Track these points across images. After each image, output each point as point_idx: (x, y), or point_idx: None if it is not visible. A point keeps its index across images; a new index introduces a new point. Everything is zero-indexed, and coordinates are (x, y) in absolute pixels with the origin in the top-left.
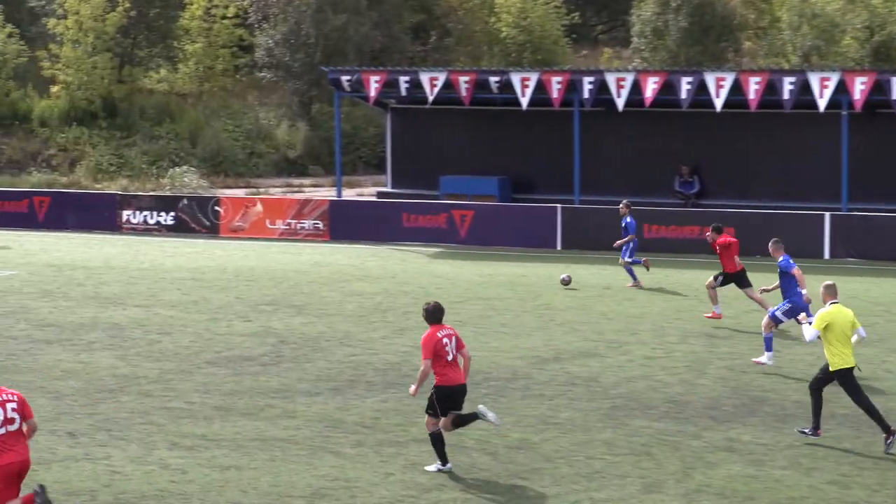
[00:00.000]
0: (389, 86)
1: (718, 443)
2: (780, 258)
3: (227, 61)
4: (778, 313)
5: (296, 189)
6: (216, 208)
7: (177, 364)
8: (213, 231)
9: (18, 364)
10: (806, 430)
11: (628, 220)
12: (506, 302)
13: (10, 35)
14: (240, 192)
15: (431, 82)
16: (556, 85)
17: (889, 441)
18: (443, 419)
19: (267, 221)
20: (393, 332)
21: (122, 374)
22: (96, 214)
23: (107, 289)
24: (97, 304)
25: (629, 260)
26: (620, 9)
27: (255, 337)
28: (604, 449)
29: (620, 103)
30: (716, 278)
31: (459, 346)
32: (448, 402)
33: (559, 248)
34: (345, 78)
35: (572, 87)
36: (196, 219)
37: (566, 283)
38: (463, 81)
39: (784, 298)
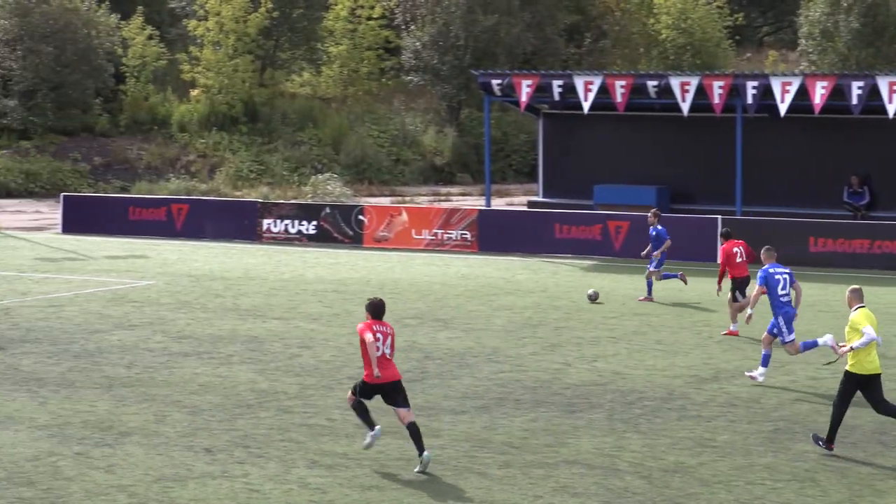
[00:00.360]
0: (542, 90)
1: (888, 470)
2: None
3: (373, 64)
4: (786, 338)
5: (443, 198)
6: (360, 217)
7: (317, 379)
8: (356, 241)
9: (155, 377)
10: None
11: (659, 228)
12: (662, 318)
13: (149, 37)
14: (384, 201)
15: (586, 87)
16: (717, 90)
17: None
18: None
19: (412, 231)
20: (543, 348)
21: (260, 389)
22: (236, 223)
23: (246, 300)
24: (236, 315)
25: (654, 269)
26: (787, 9)
27: (399, 352)
28: (765, 474)
29: (783, 108)
30: (733, 293)
31: (393, 346)
32: (372, 393)
33: (719, 261)
34: (495, 82)
35: (735, 91)
36: (339, 228)
37: (593, 298)
38: (619, 86)
39: (773, 311)
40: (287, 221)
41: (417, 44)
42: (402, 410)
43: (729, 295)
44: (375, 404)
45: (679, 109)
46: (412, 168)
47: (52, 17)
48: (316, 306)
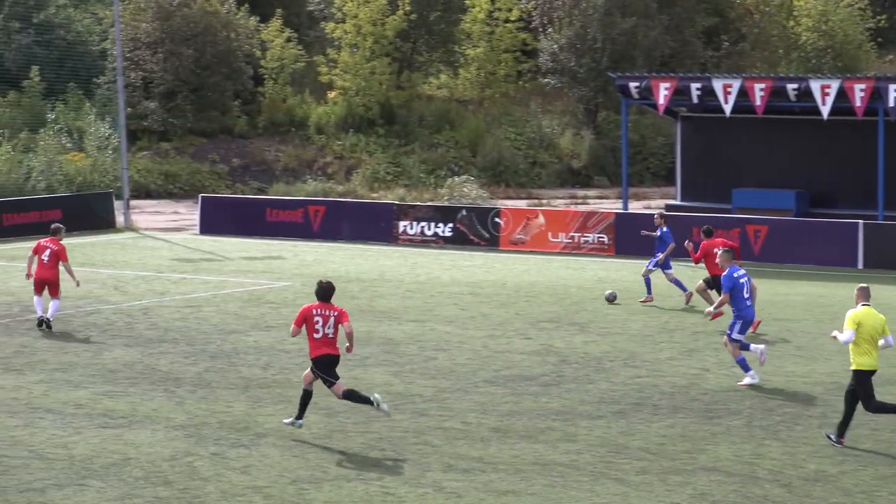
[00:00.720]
0: (680, 93)
1: None
2: (726, 271)
3: (510, 66)
4: (734, 335)
5: (579, 201)
6: (496, 220)
7: (453, 382)
8: (492, 244)
9: (291, 379)
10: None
11: (664, 230)
12: (802, 324)
13: (288, 40)
14: (521, 204)
15: (725, 90)
16: (858, 92)
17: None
18: (337, 383)
19: (549, 234)
20: (680, 353)
21: (396, 392)
22: (372, 225)
23: (382, 302)
24: (372, 318)
25: (651, 268)
26: None
27: (536, 355)
28: None
29: None
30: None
31: (341, 321)
32: (328, 369)
33: (860, 266)
34: (633, 84)
35: (877, 94)
36: (475, 231)
37: (611, 300)
38: (758, 89)
39: (734, 314)
40: (423, 224)
41: (555, 46)
42: (337, 383)
43: (701, 283)
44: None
45: (819, 113)
46: (549, 171)
47: (192, 21)
48: (451, 309)
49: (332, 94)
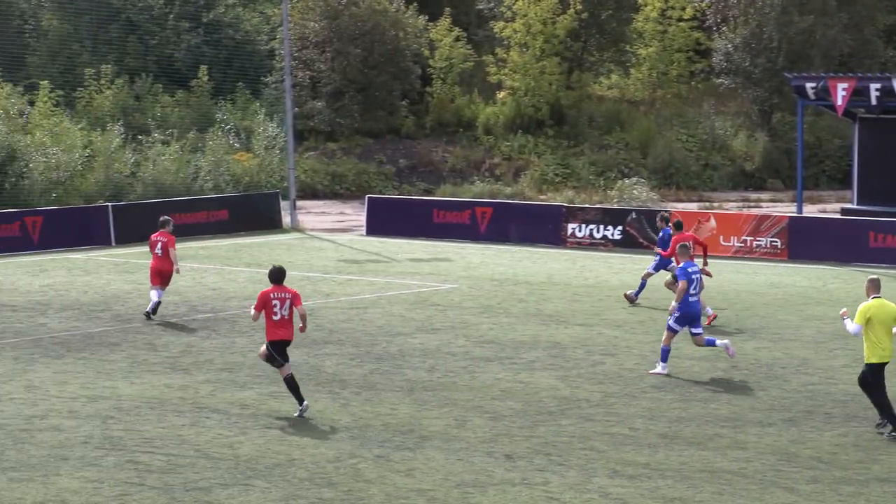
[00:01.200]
0: (858, 94)
1: None
2: (680, 265)
3: (682, 66)
4: (671, 323)
5: (752, 204)
6: None
7: (620, 387)
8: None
9: (456, 381)
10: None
11: (668, 230)
12: None
13: (456, 39)
14: (692, 207)
15: None
16: None
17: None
18: (285, 366)
19: (721, 238)
20: (854, 360)
21: (562, 396)
22: (540, 227)
23: (549, 305)
24: (538, 321)
25: (651, 271)
26: None
27: (705, 361)
28: None
29: None
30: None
31: (295, 304)
32: (278, 349)
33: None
34: (809, 85)
35: None
36: (645, 234)
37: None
38: None
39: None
40: (592, 226)
41: (729, 46)
42: (286, 365)
43: (669, 278)
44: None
45: None
46: (721, 173)
47: (360, 19)
48: (620, 313)
49: (500, 95)
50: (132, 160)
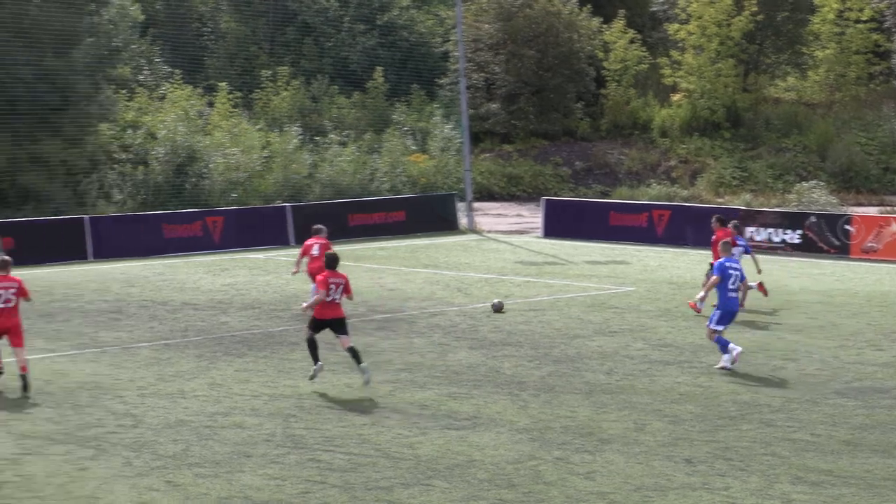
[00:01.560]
0: None
1: None
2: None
3: (861, 69)
4: (713, 325)
5: None
6: (846, 227)
7: (801, 393)
8: (842, 251)
9: (635, 385)
10: None
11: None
12: None
13: (631, 41)
14: (872, 211)
15: None
16: None
17: None
18: (345, 338)
19: None
20: None
21: (742, 401)
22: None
23: None
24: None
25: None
26: None
27: (889, 367)
28: None
29: None
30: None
31: (346, 291)
32: (320, 327)
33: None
34: None
35: None
36: (824, 238)
37: (497, 309)
38: None
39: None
40: (770, 230)
41: None
42: (344, 338)
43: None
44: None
45: None
46: None
47: (534, 21)
48: (800, 317)
49: (676, 97)
50: (310, 161)
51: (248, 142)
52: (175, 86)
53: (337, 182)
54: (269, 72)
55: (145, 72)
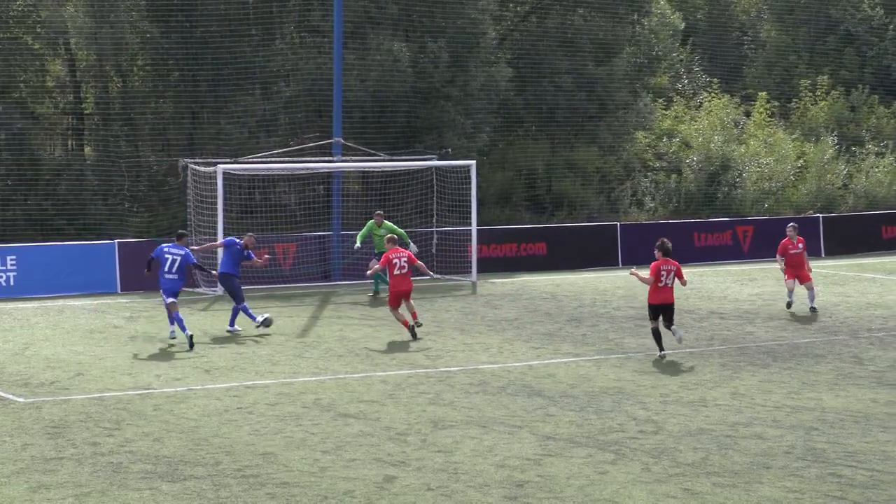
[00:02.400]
0: None
1: None
2: None
3: None
4: None
5: None
6: None
7: None
8: None
9: None
10: None
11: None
12: None
13: None
14: None
15: None
16: None
17: None
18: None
19: None
20: None
21: None
22: None
23: None
24: None
25: None
26: None
27: None
28: None
29: None
30: None
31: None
32: (655, 312)
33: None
34: None
35: None
36: None
37: (266, 324)
38: None
39: None
40: None
41: None
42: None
43: None
44: None
45: None
46: None
47: None
48: None
49: None
50: (844, 171)
51: (783, 152)
52: (712, 94)
53: (872, 193)
54: (808, 81)
55: (683, 80)
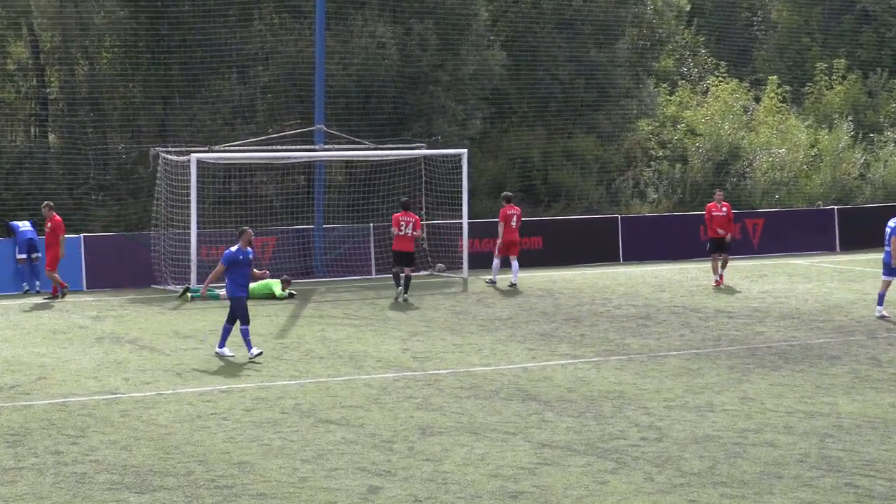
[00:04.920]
0: None
1: None
2: None
3: None
4: None
5: None
6: None
7: None
8: None
9: None
10: None
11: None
12: None
13: None
14: None
15: None
16: None
17: None
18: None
19: None
20: None
21: None
22: None
23: None
24: None
25: None
26: None
27: None
28: None
29: None
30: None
31: (416, 227)
32: (396, 259)
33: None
34: None
35: None
36: None
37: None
38: None
39: None
40: None
41: None
42: (407, 269)
43: None
44: None
45: None
46: None
47: None
48: None
49: None
50: (861, 161)
51: (795, 139)
52: (720, 79)
53: (890, 183)
54: (822, 64)
55: (689, 64)
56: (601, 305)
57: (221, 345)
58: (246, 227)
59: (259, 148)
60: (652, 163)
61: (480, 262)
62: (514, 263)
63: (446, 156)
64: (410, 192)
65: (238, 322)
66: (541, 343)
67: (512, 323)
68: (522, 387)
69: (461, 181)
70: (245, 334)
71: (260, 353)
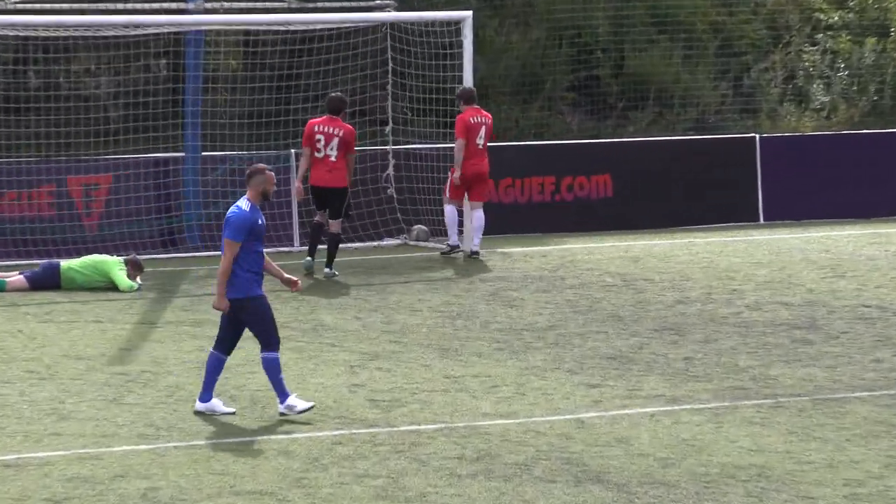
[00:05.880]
0: None
1: None
2: None
3: None
4: None
5: None
6: None
7: None
8: None
9: None
10: None
11: None
12: None
13: None
14: None
15: None
16: None
17: None
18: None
19: None
20: None
21: None
22: None
23: None
24: None
25: None
26: None
27: None
28: None
29: None
30: None
31: (348, 147)
32: (315, 200)
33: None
34: None
35: None
36: None
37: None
38: None
39: None
40: None
41: None
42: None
43: None
44: None
45: None
46: None
47: None
48: None
49: None
50: None
51: None
52: None
53: None
54: None
55: None
56: (724, 304)
57: (206, 398)
58: (259, 164)
59: (81, 5)
60: (820, 37)
61: (496, 220)
62: (478, 213)
63: (434, 21)
64: (361, 89)
65: (236, 348)
66: (610, 374)
67: (555, 336)
68: (576, 457)
69: (462, 69)
70: (273, 370)
71: (310, 408)
